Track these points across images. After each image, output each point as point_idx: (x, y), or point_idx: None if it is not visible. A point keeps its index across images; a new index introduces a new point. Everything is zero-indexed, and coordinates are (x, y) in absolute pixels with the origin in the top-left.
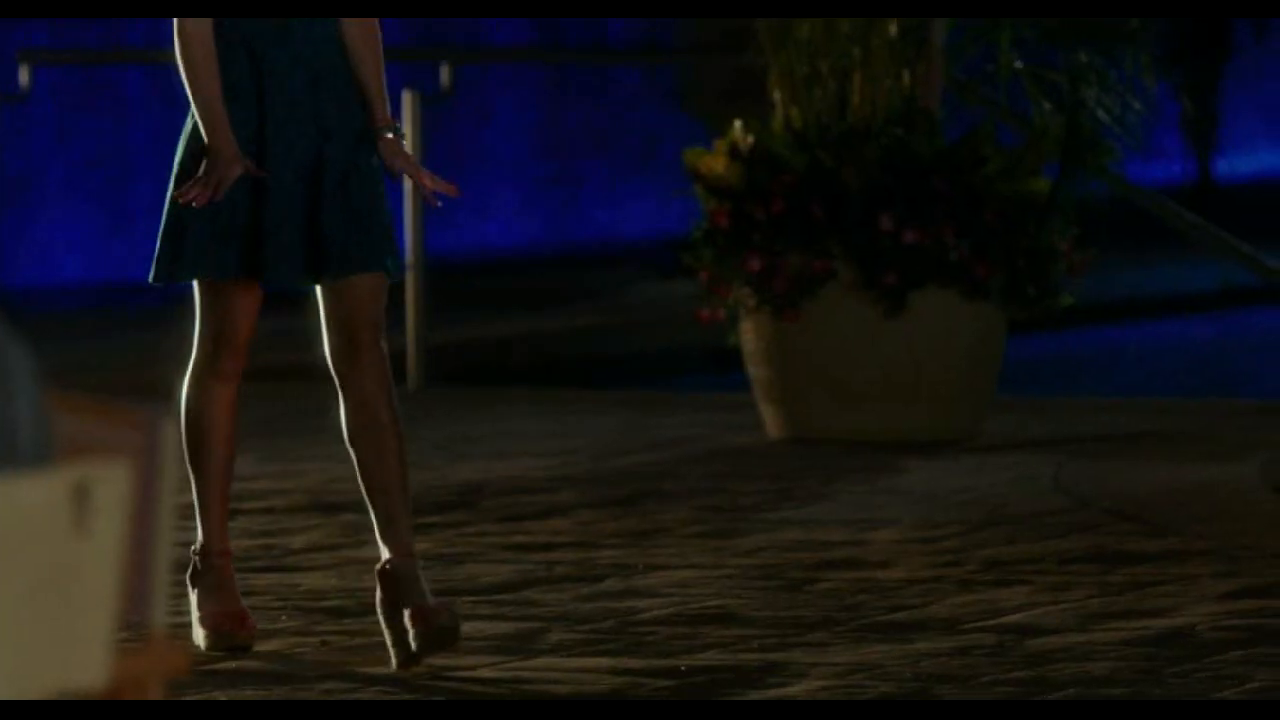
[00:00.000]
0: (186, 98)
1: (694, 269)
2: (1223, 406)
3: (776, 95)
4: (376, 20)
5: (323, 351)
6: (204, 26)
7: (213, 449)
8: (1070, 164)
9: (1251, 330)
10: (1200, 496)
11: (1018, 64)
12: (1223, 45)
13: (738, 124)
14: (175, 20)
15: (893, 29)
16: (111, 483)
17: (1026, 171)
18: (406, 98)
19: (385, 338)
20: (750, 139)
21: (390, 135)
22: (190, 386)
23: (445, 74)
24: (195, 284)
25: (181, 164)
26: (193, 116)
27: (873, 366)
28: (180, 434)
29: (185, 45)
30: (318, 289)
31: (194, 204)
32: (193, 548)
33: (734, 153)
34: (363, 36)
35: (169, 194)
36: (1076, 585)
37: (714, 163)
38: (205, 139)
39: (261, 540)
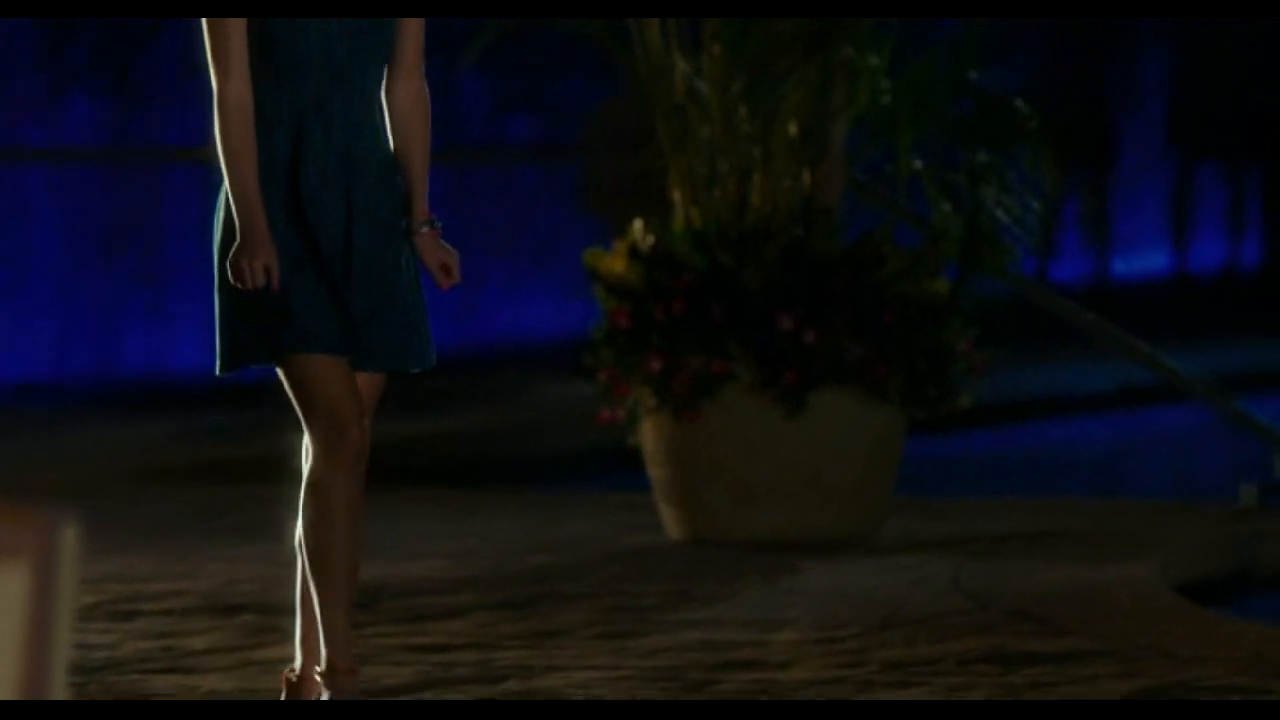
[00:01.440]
0: (221, 177)
1: (594, 369)
2: (1122, 506)
3: (676, 195)
4: (428, 110)
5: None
6: (246, 105)
7: (337, 556)
8: (969, 264)
9: (1150, 429)
10: (1100, 596)
11: (917, 164)
12: (1112, 146)
13: (637, 224)
14: (216, 96)
15: (793, 129)
16: (7, 585)
17: (926, 272)
18: None
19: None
20: (650, 239)
21: (427, 230)
22: (310, 485)
23: None
24: (280, 371)
25: (221, 249)
26: (224, 198)
27: (773, 467)
28: (299, 549)
29: (225, 121)
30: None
31: (241, 295)
32: (295, 669)
33: (634, 253)
34: (413, 126)
35: (215, 283)
36: (977, 686)
37: (614, 263)
38: (237, 221)
39: (161, 641)
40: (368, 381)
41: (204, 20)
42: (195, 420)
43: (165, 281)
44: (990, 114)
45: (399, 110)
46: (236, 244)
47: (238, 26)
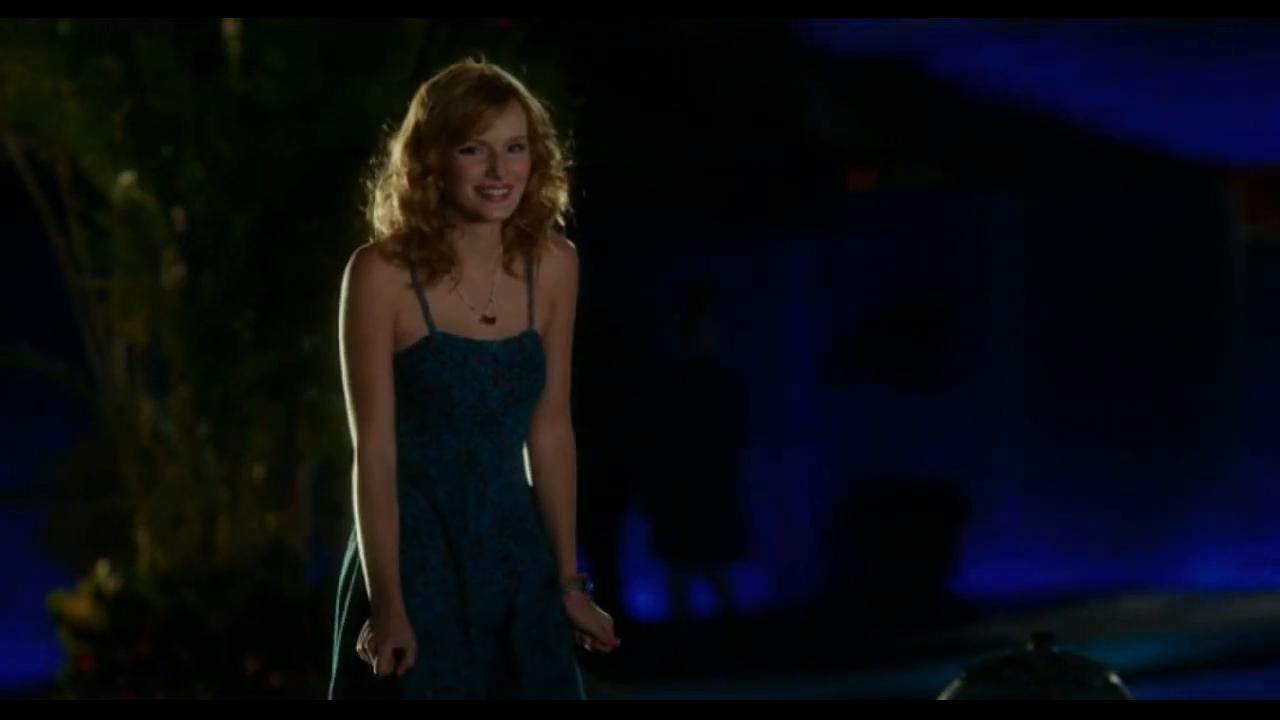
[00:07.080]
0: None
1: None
2: None
3: (142, 537)
4: (574, 459)
5: None
6: (391, 464)
7: None
8: None
9: None
10: None
11: None
12: None
13: (102, 567)
14: (358, 452)
15: (259, 471)
16: None
17: None
18: None
19: None
20: (115, 582)
21: (579, 591)
22: None
23: None
24: None
25: (353, 607)
26: (354, 550)
27: None
28: None
29: (367, 481)
30: None
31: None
32: None
33: (99, 596)
34: (560, 476)
35: (340, 630)
36: None
37: (77, 606)
38: (369, 593)
39: None
40: None
41: (345, 369)
42: None
43: None
44: None
45: (544, 458)
46: (370, 620)
47: (384, 375)
